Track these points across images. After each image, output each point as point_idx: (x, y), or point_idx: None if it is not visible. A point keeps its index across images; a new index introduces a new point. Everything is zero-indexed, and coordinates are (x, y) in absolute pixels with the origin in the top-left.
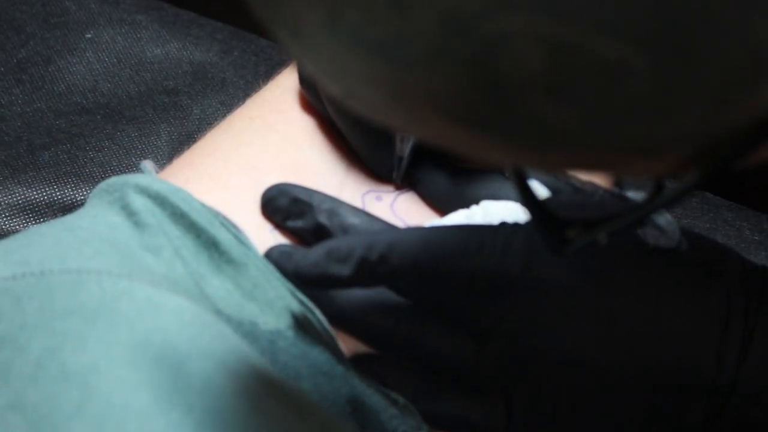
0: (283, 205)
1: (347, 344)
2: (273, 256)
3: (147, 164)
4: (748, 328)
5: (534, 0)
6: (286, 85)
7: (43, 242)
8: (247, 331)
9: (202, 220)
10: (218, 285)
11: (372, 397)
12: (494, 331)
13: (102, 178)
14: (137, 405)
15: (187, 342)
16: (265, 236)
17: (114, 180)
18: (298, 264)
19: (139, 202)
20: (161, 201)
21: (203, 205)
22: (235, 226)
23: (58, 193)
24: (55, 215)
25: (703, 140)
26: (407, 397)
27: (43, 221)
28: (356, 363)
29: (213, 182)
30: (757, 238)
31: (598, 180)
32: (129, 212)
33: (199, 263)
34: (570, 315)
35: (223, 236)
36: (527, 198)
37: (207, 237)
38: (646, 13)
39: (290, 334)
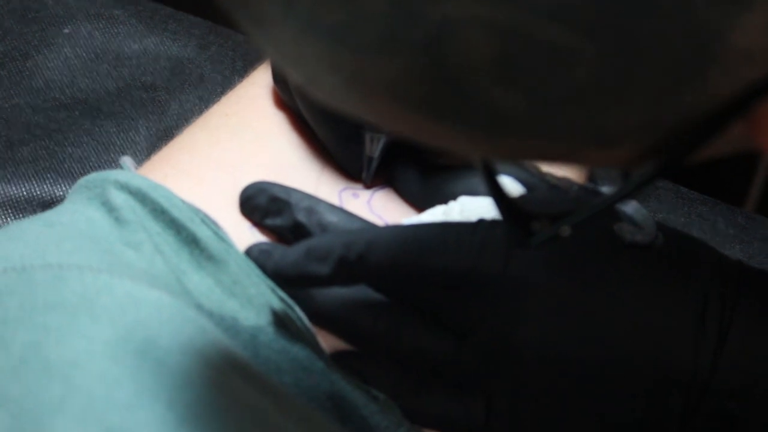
0: (261, 204)
1: (327, 342)
2: (253, 254)
3: (126, 160)
4: (724, 322)
5: None
6: (261, 82)
7: (24, 237)
8: (229, 326)
9: (183, 216)
10: (199, 281)
11: (352, 393)
12: (474, 328)
13: (81, 173)
14: (119, 399)
15: (168, 337)
16: (244, 234)
17: (94, 176)
18: (277, 263)
19: (119, 198)
20: (142, 197)
21: (183, 202)
22: (215, 223)
23: (37, 189)
24: (34, 211)
25: (656, 131)
26: (387, 394)
27: (23, 217)
28: (336, 360)
29: (192, 179)
30: (731, 232)
31: (573, 176)
32: (109, 208)
33: (180, 259)
34: (549, 311)
35: (203, 233)
36: (494, 191)
37: (187, 233)
38: None
39: (271, 330)
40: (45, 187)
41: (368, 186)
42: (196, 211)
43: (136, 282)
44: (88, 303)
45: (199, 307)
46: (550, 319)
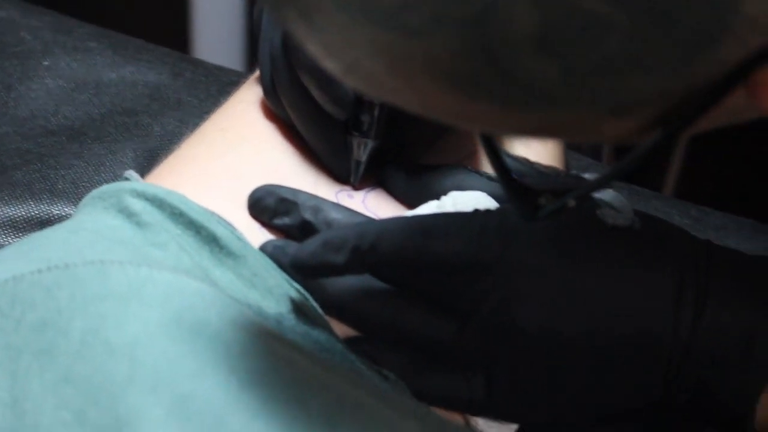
0: (270, 205)
1: (339, 330)
2: (268, 249)
3: (132, 173)
4: (699, 296)
5: None
6: (247, 98)
7: (53, 243)
8: (256, 313)
9: (201, 217)
10: (221, 275)
11: (367, 372)
12: (475, 310)
13: (75, 193)
14: (184, 370)
15: (216, 317)
16: (254, 234)
17: (107, 187)
18: (296, 255)
19: (137, 205)
20: (159, 203)
21: (199, 205)
22: (230, 224)
23: (34, 209)
24: (33, 230)
25: (668, 100)
26: (396, 374)
27: (23, 236)
28: (349, 345)
29: (199, 187)
30: (686, 222)
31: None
32: (128, 214)
33: (201, 257)
34: (543, 292)
35: (222, 232)
36: (501, 171)
37: (207, 233)
38: None
39: (291, 317)
40: (42, 207)
41: (356, 188)
42: (212, 213)
43: (174, 273)
44: (136, 292)
45: (231, 297)
46: (545, 297)
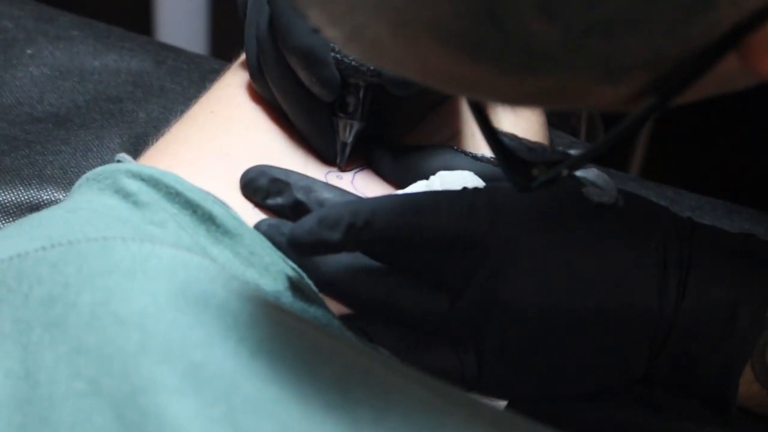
0: (262, 185)
1: (333, 308)
2: (263, 228)
3: (124, 156)
4: (682, 271)
5: None
6: (234, 82)
7: (54, 222)
8: (257, 288)
9: (197, 197)
10: (218, 254)
11: (363, 348)
12: (465, 286)
13: (64, 178)
14: (195, 339)
15: (222, 289)
16: (248, 213)
17: (102, 169)
18: (293, 233)
19: (133, 186)
20: (155, 183)
21: (194, 185)
22: (224, 204)
23: (24, 194)
24: (23, 214)
25: (661, 64)
26: (390, 351)
27: (14, 220)
28: (344, 322)
29: (193, 168)
30: (664, 202)
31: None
32: (124, 194)
33: (199, 236)
34: (530, 267)
35: (217, 211)
36: (495, 142)
37: (203, 212)
38: None
39: (289, 293)
40: (31, 192)
41: (345, 169)
42: (207, 193)
43: (176, 249)
44: (141, 266)
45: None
46: (532, 273)
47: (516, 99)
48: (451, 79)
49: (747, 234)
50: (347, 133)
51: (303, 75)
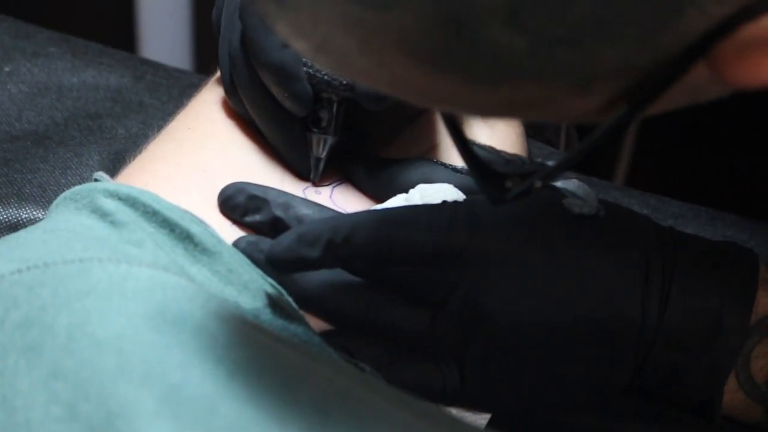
0: (240, 202)
1: (314, 325)
2: (241, 245)
3: (102, 175)
4: (665, 281)
5: None
6: (211, 98)
7: (30, 244)
8: (235, 308)
9: (174, 215)
10: (197, 273)
11: (344, 365)
12: (446, 300)
13: (42, 197)
14: (172, 362)
15: (199, 310)
16: (226, 231)
17: (79, 188)
18: (272, 250)
19: (110, 205)
20: (132, 202)
21: (172, 204)
22: (203, 221)
23: (2, 214)
24: (2, 233)
25: (631, 74)
26: (372, 366)
27: None
28: (324, 338)
29: (171, 184)
30: (646, 212)
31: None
32: (102, 214)
33: (177, 255)
34: (512, 279)
35: (195, 229)
36: (468, 154)
37: (181, 230)
38: None
39: (268, 311)
40: (10, 211)
41: (322, 184)
42: (185, 211)
43: (154, 269)
44: (118, 287)
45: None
46: (513, 285)
47: (487, 111)
48: (420, 91)
49: (729, 242)
50: (321, 148)
51: (275, 90)
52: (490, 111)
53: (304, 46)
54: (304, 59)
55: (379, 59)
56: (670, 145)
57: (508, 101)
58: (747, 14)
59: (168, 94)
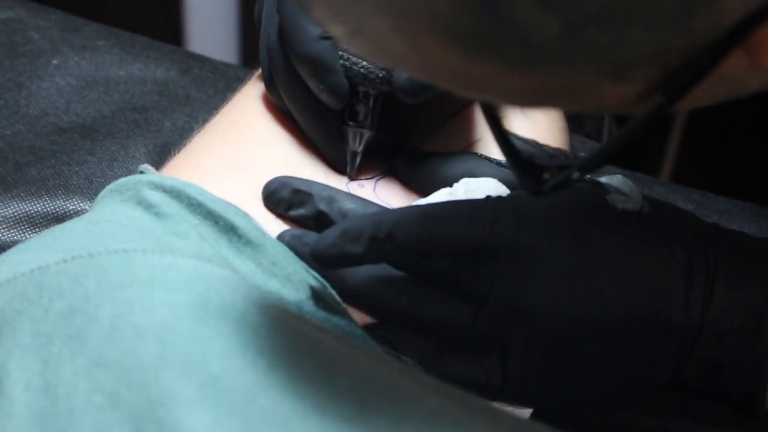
0: (285, 196)
1: (357, 318)
2: (285, 238)
3: (147, 167)
4: (708, 278)
5: None
6: (254, 92)
7: (76, 235)
8: (279, 299)
9: (218, 208)
10: (240, 264)
11: (387, 357)
12: (489, 295)
13: (89, 188)
14: (214, 351)
15: (241, 301)
16: (270, 224)
17: (124, 180)
18: (315, 246)
19: (155, 197)
20: (177, 194)
21: (216, 196)
22: (247, 214)
23: (50, 205)
24: (49, 225)
25: (666, 60)
26: (414, 360)
27: (40, 230)
28: (368, 331)
29: (215, 178)
30: (690, 208)
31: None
32: (147, 206)
33: (221, 247)
34: (555, 275)
35: (239, 221)
36: (506, 145)
37: (225, 222)
38: None
39: (311, 303)
40: (57, 202)
41: (354, 178)
42: (229, 204)
43: (197, 260)
44: (160, 278)
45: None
46: (556, 281)
47: (521, 97)
48: (453, 75)
49: None
50: (357, 142)
51: (311, 83)
52: (524, 98)
53: (340, 30)
54: (340, 52)
55: (411, 42)
56: (717, 141)
57: (541, 87)
58: None
59: (214, 88)
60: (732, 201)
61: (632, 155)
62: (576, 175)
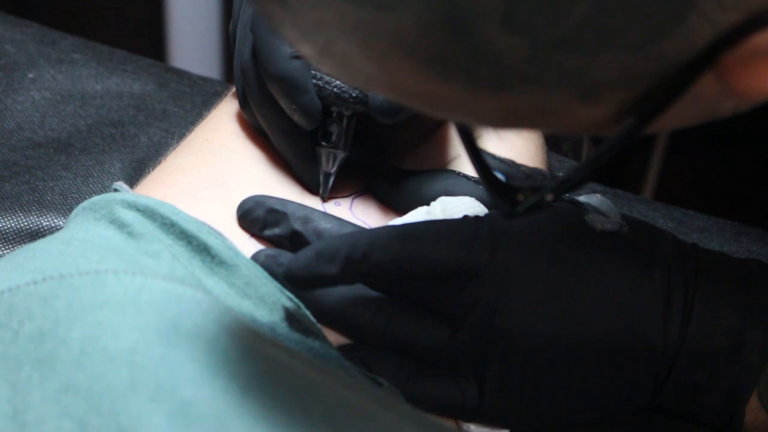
0: (259, 216)
1: (332, 338)
2: (260, 258)
3: (121, 185)
4: (687, 298)
5: None
6: (228, 111)
7: (47, 254)
8: (251, 321)
9: (192, 227)
10: (213, 285)
11: (362, 379)
12: (466, 316)
13: (63, 205)
14: (184, 377)
15: (213, 324)
16: (245, 244)
17: (97, 198)
18: (289, 267)
19: (128, 216)
20: (150, 213)
21: (190, 216)
22: (220, 234)
23: (24, 221)
24: (23, 241)
25: (636, 82)
26: (390, 381)
27: (14, 248)
28: (343, 352)
29: (189, 197)
30: (670, 225)
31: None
32: (119, 225)
33: (194, 267)
34: (532, 295)
35: (212, 241)
36: (480, 167)
37: (198, 242)
38: None
39: (285, 325)
40: (31, 218)
41: (325, 200)
42: (203, 223)
43: (169, 281)
44: (132, 300)
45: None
46: (533, 302)
47: (491, 119)
48: (424, 96)
49: (752, 260)
50: (330, 163)
51: (283, 102)
52: (494, 119)
53: (308, 49)
54: (313, 71)
55: (380, 63)
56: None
57: (512, 109)
58: (755, 23)
59: (191, 102)
60: (712, 218)
61: (615, 172)
62: (550, 197)
